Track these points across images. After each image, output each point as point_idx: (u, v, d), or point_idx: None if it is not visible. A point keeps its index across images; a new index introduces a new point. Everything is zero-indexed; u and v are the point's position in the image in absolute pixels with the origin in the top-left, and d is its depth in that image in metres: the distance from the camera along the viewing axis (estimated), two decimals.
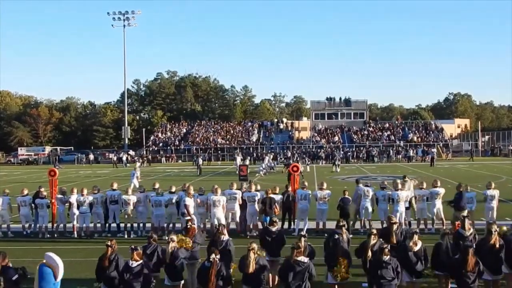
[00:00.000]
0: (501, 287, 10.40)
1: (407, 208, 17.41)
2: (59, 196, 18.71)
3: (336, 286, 10.09)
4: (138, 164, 44.87)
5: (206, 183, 28.66)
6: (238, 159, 50.05)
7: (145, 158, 68.95)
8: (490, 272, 9.77)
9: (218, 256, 9.35)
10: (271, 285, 11.39)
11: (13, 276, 8.90)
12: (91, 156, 75.76)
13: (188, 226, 11.65)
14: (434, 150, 62.02)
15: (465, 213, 15.96)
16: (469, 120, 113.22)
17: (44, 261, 4.13)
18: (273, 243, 11.56)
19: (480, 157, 68.75)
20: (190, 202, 16.87)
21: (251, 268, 9.52)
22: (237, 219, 17.80)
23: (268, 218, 16.60)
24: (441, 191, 17.83)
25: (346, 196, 17.41)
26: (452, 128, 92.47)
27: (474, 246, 10.00)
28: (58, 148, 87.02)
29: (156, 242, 10.61)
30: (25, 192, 19.05)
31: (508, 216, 18.98)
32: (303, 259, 9.27)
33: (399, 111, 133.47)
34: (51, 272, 3.64)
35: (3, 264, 8.95)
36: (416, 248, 9.99)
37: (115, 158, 67.89)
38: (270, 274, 11.15)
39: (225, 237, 11.17)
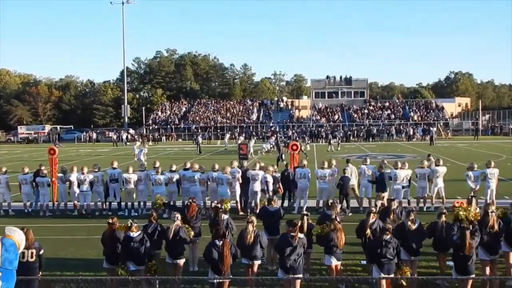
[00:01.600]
0: (498, 266, 10.49)
1: (406, 187, 17.48)
2: (60, 174, 18.78)
3: (336, 266, 10.14)
4: (137, 143, 44.90)
5: (207, 161, 28.68)
6: (227, 136, 50.02)
7: (145, 137, 69.02)
8: (488, 252, 9.83)
9: (229, 236, 9.55)
10: (271, 262, 11.49)
11: (41, 250, 9.29)
12: (94, 135, 75.68)
13: (189, 203, 11.70)
14: (434, 129, 61.99)
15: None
16: (469, 99, 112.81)
17: (7, 234, 4.26)
18: (272, 222, 11.61)
19: (481, 136, 68.75)
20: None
21: (249, 240, 9.78)
22: (237, 197, 17.87)
23: None
24: (443, 169, 17.89)
25: (346, 174, 17.45)
26: (452, 107, 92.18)
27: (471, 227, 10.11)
28: (58, 126, 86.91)
29: (156, 221, 10.67)
30: (26, 170, 19.10)
31: (507, 195, 19.06)
32: (300, 235, 9.33)
33: (399, 90, 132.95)
34: (14, 244, 3.72)
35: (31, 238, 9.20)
36: (414, 227, 10.06)
37: (115, 137, 68.02)
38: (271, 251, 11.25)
39: (225, 216, 11.26)
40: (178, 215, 10.45)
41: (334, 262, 9.94)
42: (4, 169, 19.03)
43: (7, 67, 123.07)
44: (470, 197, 11.79)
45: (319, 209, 17.31)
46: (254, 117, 79.91)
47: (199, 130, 70.84)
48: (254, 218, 10.20)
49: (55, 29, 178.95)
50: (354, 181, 17.96)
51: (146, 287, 9.42)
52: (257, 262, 10.11)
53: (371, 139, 64.12)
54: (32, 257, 9.08)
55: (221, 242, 9.18)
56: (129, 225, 9.66)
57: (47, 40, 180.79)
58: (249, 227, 9.89)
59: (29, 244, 9.04)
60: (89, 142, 72.02)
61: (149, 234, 10.26)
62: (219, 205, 11.57)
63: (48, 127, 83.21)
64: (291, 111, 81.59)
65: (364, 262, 11.20)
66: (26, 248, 8.98)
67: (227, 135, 51.94)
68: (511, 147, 44.52)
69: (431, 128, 61.74)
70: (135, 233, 9.59)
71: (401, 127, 69.22)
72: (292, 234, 9.11)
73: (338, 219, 10.48)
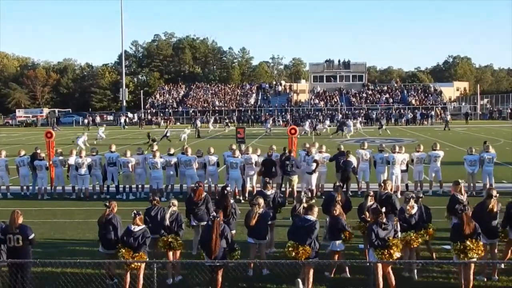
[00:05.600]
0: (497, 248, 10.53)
1: (404, 171, 17.51)
2: (59, 158, 18.74)
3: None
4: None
5: (205, 145, 28.65)
6: (211, 121, 49.71)
7: (143, 121, 68.96)
8: (486, 236, 9.86)
9: (221, 216, 9.54)
10: (270, 246, 11.54)
11: (30, 235, 9.07)
12: (98, 119, 74.28)
13: (196, 187, 11.64)
14: (448, 113, 61.79)
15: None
16: (468, 83, 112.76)
17: None
18: (268, 206, 11.59)
19: (479, 120, 68.76)
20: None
21: (254, 220, 10.13)
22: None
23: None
24: (440, 153, 17.92)
25: (348, 159, 17.40)
26: (451, 91, 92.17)
27: (468, 210, 10.14)
28: (56, 110, 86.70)
29: (159, 204, 10.64)
30: (22, 153, 19.08)
31: (504, 179, 19.10)
32: (311, 217, 9.36)
33: (398, 74, 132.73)
34: None
35: (20, 222, 9.10)
36: (413, 211, 10.08)
37: (86, 121, 67.36)
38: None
39: (231, 200, 11.31)
40: (175, 201, 10.44)
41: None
42: (4, 153, 18.98)
43: (5, 50, 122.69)
44: (457, 181, 11.73)
45: (317, 193, 17.31)
46: (252, 101, 79.74)
47: (198, 114, 70.70)
48: (260, 200, 10.47)
49: (54, 12, 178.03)
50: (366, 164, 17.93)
51: (144, 270, 9.37)
52: (264, 242, 10.46)
53: (371, 123, 63.96)
54: (18, 242, 8.93)
55: (212, 222, 9.19)
56: (132, 216, 9.34)
57: (45, 23, 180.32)
58: (254, 208, 10.23)
59: (13, 229, 8.98)
60: (93, 126, 70.39)
61: (152, 217, 10.27)
62: (227, 189, 11.53)
63: (46, 111, 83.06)
64: (289, 95, 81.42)
65: (361, 246, 11.24)
66: (11, 234, 8.97)
67: (211, 120, 51.86)
68: (509, 131, 44.56)
69: (446, 113, 61.52)
70: (137, 227, 9.25)
71: (401, 111, 68.92)
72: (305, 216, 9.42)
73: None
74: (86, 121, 68.04)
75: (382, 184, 11.96)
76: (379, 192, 11.63)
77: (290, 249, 9.16)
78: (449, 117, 55.85)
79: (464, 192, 11.49)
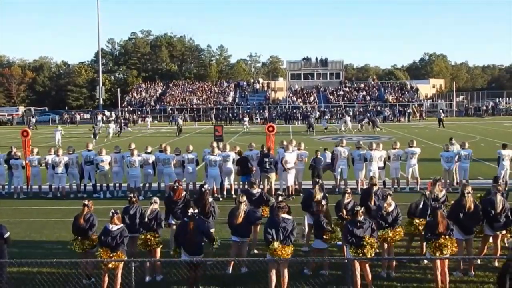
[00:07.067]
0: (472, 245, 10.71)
1: (381, 168, 17.68)
2: (36, 157, 18.50)
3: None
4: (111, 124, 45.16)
5: (184, 143, 28.58)
6: (179, 121, 48.90)
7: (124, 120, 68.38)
8: (462, 232, 10.03)
9: (196, 211, 9.52)
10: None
11: (5, 234, 8.97)
12: (78, 117, 73.43)
13: (175, 187, 11.59)
14: (443, 110, 61.69)
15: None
16: (444, 81, 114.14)
17: None
18: (254, 205, 11.51)
19: (455, 117, 69.64)
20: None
21: (240, 219, 10.17)
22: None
23: (245, 178, 16.74)
24: (417, 150, 18.13)
25: (319, 156, 17.50)
26: (427, 88, 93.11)
27: (443, 207, 10.35)
28: (32, 108, 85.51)
29: (137, 203, 10.59)
30: None
31: (480, 175, 19.39)
32: (287, 216, 9.40)
33: (374, 72, 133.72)
34: None
35: None
36: (390, 209, 10.16)
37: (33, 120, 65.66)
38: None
39: (210, 198, 11.31)
40: (156, 199, 10.39)
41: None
42: None
43: None
44: (433, 179, 11.91)
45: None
46: (230, 98, 79.63)
47: (176, 112, 70.24)
48: (245, 198, 10.56)
49: (29, 9, 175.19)
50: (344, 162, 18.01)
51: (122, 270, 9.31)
52: (246, 240, 10.49)
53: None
54: None
55: (188, 218, 9.24)
56: (110, 215, 9.27)
57: (20, 20, 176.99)
58: (241, 206, 10.24)
59: None
60: (72, 124, 69.41)
61: (130, 216, 10.22)
62: (205, 187, 11.50)
63: (22, 109, 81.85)
64: (267, 93, 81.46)
65: (339, 243, 11.32)
66: None
67: (180, 120, 50.91)
68: (484, 128, 45.24)
69: (440, 110, 60.32)
70: (115, 226, 9.21)
71: (378, 108, 69.26)
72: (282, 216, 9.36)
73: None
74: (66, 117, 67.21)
75: (369, 180, 12.17)
76: (380, 190, 11.75)
77: (275, 251, 9.03)
78: (442, 115, 53.32)
79: (440, 190, 11.64)
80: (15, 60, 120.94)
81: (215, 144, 18.14)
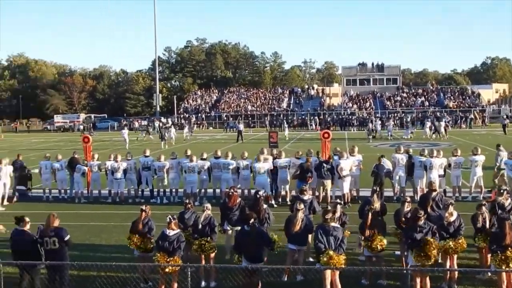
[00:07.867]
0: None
1: (442, 176, 17.12)
2: (96, 162, 19.04)
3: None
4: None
5: (239, 150, 28.70)
6: (172, 130, 47.87)
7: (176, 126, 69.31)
8: None
9: (266, 225, 9.54)
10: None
11: (65, 237, 9.23)
12: (136, 124, 73.64)
13: (230, 193, 11.59)
14: (507, 116, 57.85)
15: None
16: (508, 85, 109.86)
17: None
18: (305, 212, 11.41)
19: None
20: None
21: (298, 227, 9.93)
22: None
23: (301, 184, 16.56)
24: (481, 158, 17.44)
25: (381, 163, 17.09)
26: (489, 93, 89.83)
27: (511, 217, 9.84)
28: (92, 115, 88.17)
29: (192, 208, 10.70)
30: (59, 157, 19.54)
31: None
32: (336, 225, 9.25)
33: (433, 76, 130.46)
34: None
35: (56, 225, 9.29)
36: (452, 219, 9.75)
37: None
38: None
39: (264, 205, 11.25)
40: (209, 205, 10.41)
41: None
42: (47, 155, 19.88)
43: (43, 58, 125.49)
44: (499, 187, 11.38)
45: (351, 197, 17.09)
46: (284, 105, 79.56)
47: (230, 118, 70.68)
48: (303, 205, 10.35)
49: (89, 20, 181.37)
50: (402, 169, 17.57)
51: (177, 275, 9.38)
52: (303, 248, 10.37)
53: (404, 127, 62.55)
54: (54, 244, 9.09)
55: (249, 227, 9.21)
56: (168, 221, 9.42)
57: (82, 31, 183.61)
58: (299, 214, 10.02)
59: (48, 231, 9.16)
60: (130, 131, 69.85)
61: (185, 221, 10.37)
62: (260, 193, 11.46)
63: (82, 116, 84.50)
64: (322, 99, 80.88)
65: (398, 253, 11.01)
66: (48, 236, 9.12)
67: (172, 129, 49.78)
68: None
69: (504, 117, 55.23)
70: (172, 231, 9.33)
71: (439, 114, 66.86)
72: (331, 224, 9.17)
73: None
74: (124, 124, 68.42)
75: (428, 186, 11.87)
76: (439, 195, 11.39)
77: (330, 259, 8.82)
78: (506, 121, 50.72)
79: (506, 198, 11.11)
80: (77, 69, 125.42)
81: (266, 150, 17.98)
